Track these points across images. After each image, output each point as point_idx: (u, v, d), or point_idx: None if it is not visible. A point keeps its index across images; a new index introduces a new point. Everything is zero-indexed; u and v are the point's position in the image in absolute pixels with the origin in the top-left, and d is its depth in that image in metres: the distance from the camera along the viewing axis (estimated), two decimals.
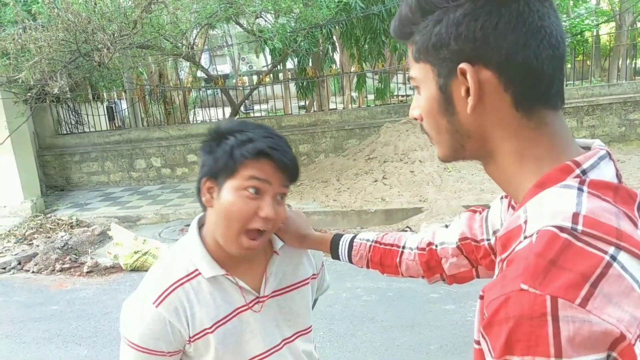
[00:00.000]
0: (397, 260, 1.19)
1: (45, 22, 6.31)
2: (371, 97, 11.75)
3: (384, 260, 1.21)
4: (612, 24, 17.30)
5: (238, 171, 1.03)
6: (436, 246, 1.14)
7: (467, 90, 0.65)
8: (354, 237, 1.26)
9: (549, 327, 0.53)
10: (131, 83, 10.50)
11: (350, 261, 1.25)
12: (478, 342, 0.62)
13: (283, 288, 1.20)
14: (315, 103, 11.61)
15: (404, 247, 1.19)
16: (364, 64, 11.15)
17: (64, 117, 10.22)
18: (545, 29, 0.64)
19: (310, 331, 1.27)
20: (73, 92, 9.54)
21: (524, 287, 0.55)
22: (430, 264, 1.15)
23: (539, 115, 0.66)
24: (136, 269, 5.47)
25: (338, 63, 13.28)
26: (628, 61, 12.06)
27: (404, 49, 10.28)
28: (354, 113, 9.44)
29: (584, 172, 0.63)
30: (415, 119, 0.77)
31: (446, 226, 1.17)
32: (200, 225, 1.17)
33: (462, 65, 0.64)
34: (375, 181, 7.28)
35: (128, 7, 6.91)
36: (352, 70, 11.18)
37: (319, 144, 9.17)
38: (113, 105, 11.43)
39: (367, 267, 1.24)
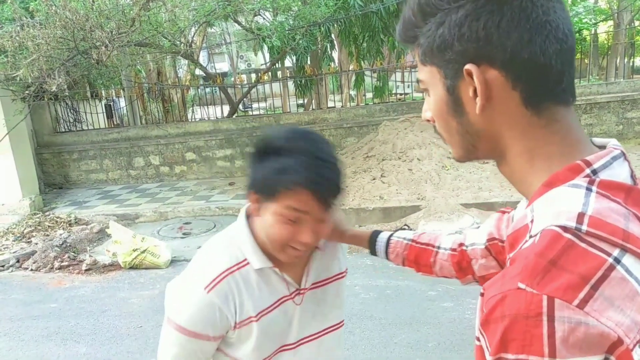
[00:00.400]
0: (432, 259, 1.21)
1: (43, 20, 6.30)
2: (369, 95, 11.75)
3: (419, 259, 1.22)
4: (610, 22, 17.32)
5: (278, 198, 1.03)
6: (467, 247, 1.15)
7: (475, 91, 0.65)
8: (391, 235, 1.28)
9: (544, 327, 0.53)
10: (129, 81, 10.48)
11: (387, 258, 1.28)
12: (478, 339, 0.62)
13: (321, 281, 1.25)
14: (313, 101, 11.62)
15: (438, 247, 1.21)
16: (362, 62, 11.16)
17: (62, 115, 10.20)
18: (551, 23, 0.63)
19: (341, 326, 1.31)
20: (71, 90, 9.53)
21: (522, 286, 0.55)
22: (462, 265, 1.16)
23: (549, 112, 0.65)
24: (135, 266, 5.48)
25: (336, 61, 13.28)
26: (626, 59, 12.09)
27: (402, 47, 10.28)
28: (352, 111, 9.44)
29: (594, 172, 0.62)
30: (428, 120, 0.77)
31: (478, 227, 1.19)
32: (248, 214, 1.18)
33: (468, 67, 0.64)
34: (374, 179, 7.29)
35: (126, 4, 6.90)
36: (350, 69, 11.18)
37: None
38: (111, 103, 11.41)
39: (403, 264, 1.27)
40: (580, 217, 0.58)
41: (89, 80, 10.87)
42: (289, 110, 10.36)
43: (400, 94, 11.46)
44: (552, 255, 0.56)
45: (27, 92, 6.90)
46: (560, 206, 0.60)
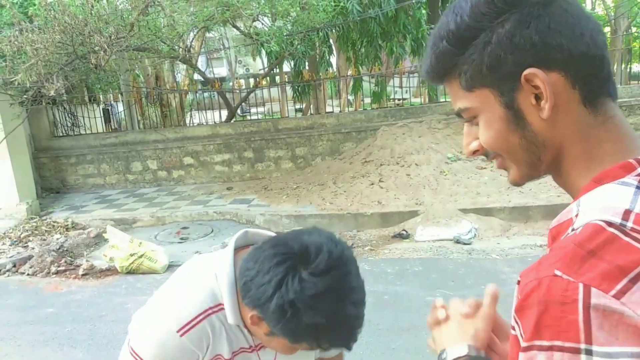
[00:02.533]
0: None
1: (42, 24, 6.31)
2: (368, 100, 11.77)
3: None
4: (607, 28, 17.39)
5: (299, 343, 1.00)
6: None
7: (536, 97, 0.65)
8: None
9: (580, 313, 0.53)
10: (127, 85, 10.49)
11: None
12: (513, 328, 0.63)
13: None
14: (312, 106, 11.63)
15: None
16: (360, 68, 11.18)
17: (60, 120, 10.19)
18: (589, 16, 0.65)
19: None
20: (69, 95, 9.52)
21: (558, 273, 0.56)
22: None
23: (604, 109, 0.66)
24: (132, 271, 5.46)
25: (335, 66, 13.31)
26: (623, 66, 12.13)
27: (400, 52, 10.31)
28: (350, 116, 9.45)
29: None
30: (474, 153, 0.75)
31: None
32: (237, 247, 1.12)
33: (528, 71, 0.64)
34: (372, 184, 7.29)
35: (125, 9, 6.91)
36: (348, 74, 11.21)
37: (316, 147, 9.18)
38: (109, 108, 11.42)
39: None
40: (627, 213, 0.58)
41: (87, 85, 10.87)
42: (287, 115, 10.39)
43: (398, 99, 11.47)
44: (592, 246, 0.56)
45: (25, 96, 6.90)
46: (608, 202, 0.60)
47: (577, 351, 0.54)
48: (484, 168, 7.42)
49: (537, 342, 0.56)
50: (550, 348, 0.55)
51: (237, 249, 1.12)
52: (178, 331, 1.04)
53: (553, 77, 0.64)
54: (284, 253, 0.96)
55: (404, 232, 6.07)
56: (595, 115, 0.66)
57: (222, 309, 1.08)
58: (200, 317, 1.06)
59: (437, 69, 0.72)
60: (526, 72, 0.64)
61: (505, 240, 5.69)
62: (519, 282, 0.62)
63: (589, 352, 0.53)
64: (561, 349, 0.54)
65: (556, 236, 0.65)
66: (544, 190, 6.58)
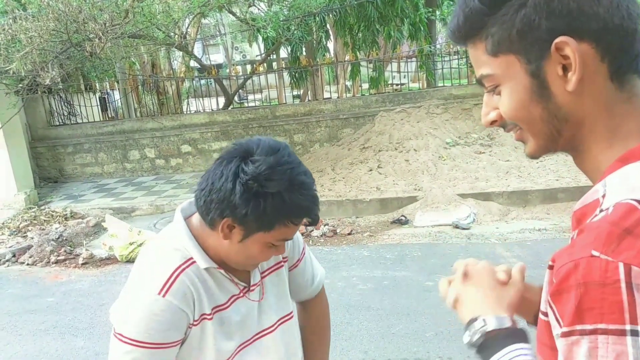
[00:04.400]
0: None
1: (36, 12, 6.23)
2: (365, 86, 11.70)
3: None
4: None
5: (273, 229, 1.06)
6: None
7: (564, 68, 0.63)
8: None
9: (623, 294, 0.52)
10: (124, 73, 10.41)
11: None
12: (545, 314, 0.61)
13: (266, 269, 1.26)
14: (309, 92, 11.57)
15: None
16: (358, 53, 11.10)
17: (56, 108, 10.13)
18: None
19: (292, 317, 1.31)
20: (65, 83, 9.47)
21: (595, 253, 0.54)
22: None
23: (630, 86, 0.64)
24: (131, 260, 5.47)
25: (332, 52, 13.22)
26: None
27: (397, 36, 10.23)
28: (348, 102, 9.41)
29: None
30: (492, 123, 0.73)
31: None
32: (185, 216, 1.18)
33: (561, 39, 0.61)
34: (370, 170, 7.28)
35: None
36: (346, 59, 11.13)
37: (314, 133, 9.15)
38: (106, 96, 11.33)
39: None
40: None
41: (82, 73, 10.78)
42: (284, 102, 10.33)
43: (397, 85, 11.42)
44: (627, 225, 0.55)
45: (20, 85, 6.84)
46: (636, 181, 0.59)
47: (622, 333, 0.52)
48: (483, 153, 7.40)
49: (579, 327, 0.54)
50: (593, 332, 0.54)
51: (186, 218, 1.17)
52: (159, 292, 1.05)
53: (584, 48, 0.61)
54: (228, 156, 1.06)
55: (402, 218, 6.08)
56: (622, 92, 0.64)
57: (193, 262, 1.10)
58: (175, 273, 1.08)
59: (464, 28, 0.69)
60: (558, 39, 0.61)
61: (503, 224, 5.70)
62: (550, 267, 0.60)
63: (635, 333, 0.52)
64: (605, 332, 0.53)
65: (581, 218, 0.64)
66: (542, 174, 6.58)
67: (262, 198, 1.01)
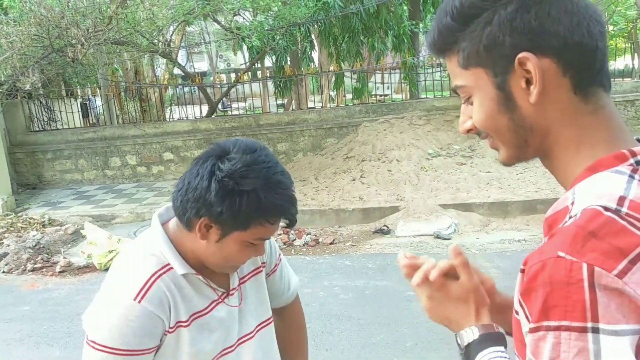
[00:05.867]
0: None
1: (17, 17, 6.17)
2: (349, 96, 11.77)
3: None
4: None
5: (250, 228, 1.05)
6: None
7: (527, 82, 0.66)
8: None
9: (586, 293, 0.55)
10: (106, 79, 10.32)
11: None
12: (517, 312, 0.64)
13: (246, 275, 1.25)
14: (293, 102, 11.60)
15: None
16: (342, 63, 11.18)
17: (36, 114, 9.98)
18: (589, 6, 0.66)
19: (271, 322, 1.30)
20: (46, 88, 9.34)
21: (561, 254, 0.57)
22: None
23: (595, 98, 0.67)
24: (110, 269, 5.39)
25: (316, 62, 13.30)
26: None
27: (381, 48, 10.33)
28: (332, 112, 9.45)
29: (638, 162, 0.64)
30: (468, 131, 0.76)
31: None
32: (162, 222, 1.16)
33: (522, 55, 0.65)
34: (353, 180, 7.31)
35: (103, 2, 6.80)
36: (330, 69, 11.20)
37: (298, 142, 9.16)
38: (87, 102, 11.21)
39: None
40: (621, 200, 0.60)
41: (64, 79, 10.66)
42: (268, 111, 10.33)
43: (380, 96, 11.50)
44: (592, 228, 0.58)
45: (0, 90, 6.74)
46: (603, 189, 0.62)
47: (584, 330, 0.55)
48: (464, 164, 7.49)
49: (545, 323, 0.57)
50: (557, 328, 0.56)
51: (164, 224, 1.16)
52: (135, 298, 1.03)
53: (545, 63, 0.65)
54: (205, 155, 1.06)
55: (385, 228, 6.10)
56: (586, 104, 0.67)
57: (170, 268, 1.09)
58: (152, 278, 1.07)
59: (439, 42, 0.73)
60: (520, 55, 0.65)
61: (484, 235, 5.76)
62: (522, 270, 0.63)
63: (595, 330, 0.55)
64: (568, 329, 0.56)
65: (552, 224, 0.67)
66: (522, 185, 6.67)
67: (237, 196, 1.01)
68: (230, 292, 1.19)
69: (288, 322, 1.44)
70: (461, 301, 0.83)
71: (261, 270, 1.29)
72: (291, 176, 1.11)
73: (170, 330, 1.08)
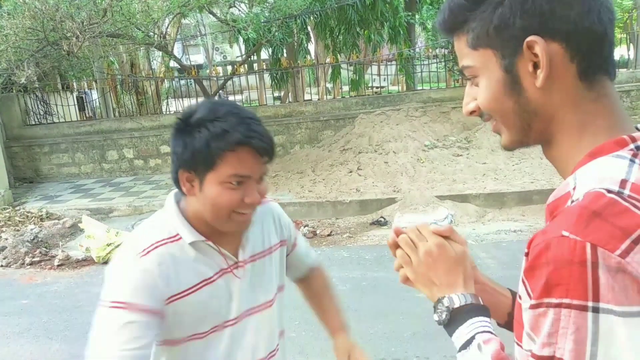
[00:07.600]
0: None
1: (11, 10, 6.13)
2: (346, 88, 11.76)
3: None
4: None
5: (218, 165, 1.05)
6: None
7: (534, 65, 0.67)
8: None
9: (589, 272, 0.56)
10: (102, 73, 10.27)
11: None
12: (520, 297, 0.64)
13: (257, 254, 1.26)
14: (290, 94, 11.58)
15: None
16: (338, 55, 11.15)
17: (32, 108, 9.94)
18: None
19: (274, 303, 1.31)
20: (41, 82, 9.30)
21: (565, 233, 0.58)
22: None
23: (600, 86, 0.68)
24: (108, 261, 5.40)
25: (313, 54, 13.25)
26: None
27: (377, 40, 10.31)
28: (329, 104, 9.44)
29: (638, 148, 0.65)
30: (471, 113, 0.77)
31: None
32: (177, 200, 1.20)
33: (531, 38, 0.65)
34: (350, 172, 7.33)
35: None
36: (327, 61, 11.17)
37: (294, 134, 9.16)
38: (83, 96, 11.17)
39: None
40: (623, 183, 0.61)
41: (59, 72, 10.61)
42: (265, 103, 10.31)
43: (377, 87, 11.49)
44: (596, 208, 0.58)
45: None
46: (604, 173, 0.63)
47: (584, 309, 0.56)
48: (460, 155, 7.51)
49: (546, 300, 0.58)
50: (558, 305, 0.57)
51: (178, 202, 1.20)
52: (138, 254, 1.09)
53: (554, 48, 0.66)
54: None
55: (382, 219, 6.13)
56: (590, 91, 0.68)
57: (178, 239, 1.13)
58: (158, 243, 1.11)
59: (449, 22, 0.74)
60: (529, 38, 0.66)
61: (480, 226, 5.79)
62: (526, 254, 0.64)
63: (595, 310, 0.56)
64: (569, 306, 0.57)
65: (554, 210, 0.68)
66: (518, 176, 6.70)
67: (188, 134, 1.05)
68: (240, 264, 1.21)
69: (317, 281, 1.58)
70: (454, 265, 0.85)
71: (277, 249, 1.32)
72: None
73: (173, 298, 1.11)
